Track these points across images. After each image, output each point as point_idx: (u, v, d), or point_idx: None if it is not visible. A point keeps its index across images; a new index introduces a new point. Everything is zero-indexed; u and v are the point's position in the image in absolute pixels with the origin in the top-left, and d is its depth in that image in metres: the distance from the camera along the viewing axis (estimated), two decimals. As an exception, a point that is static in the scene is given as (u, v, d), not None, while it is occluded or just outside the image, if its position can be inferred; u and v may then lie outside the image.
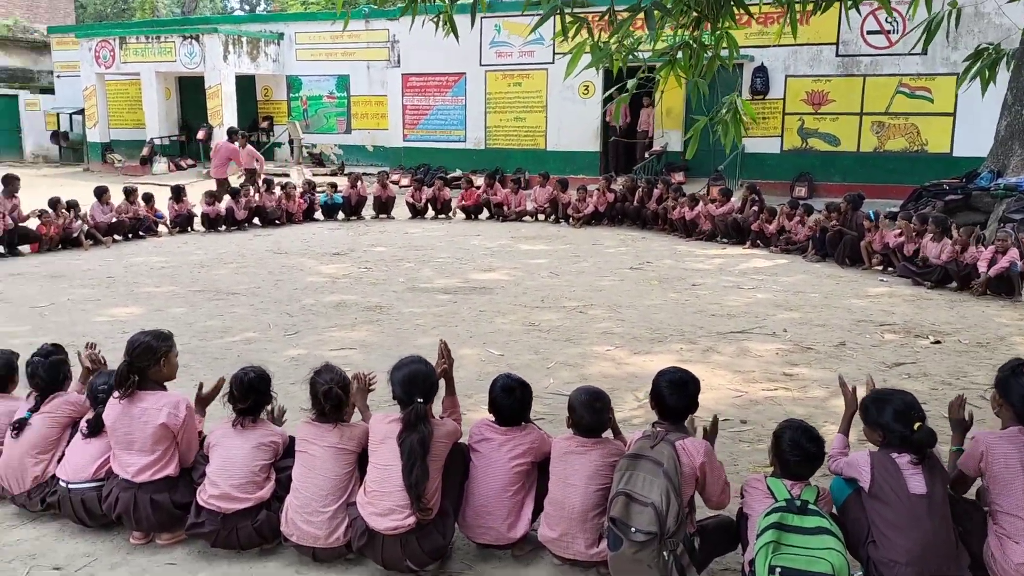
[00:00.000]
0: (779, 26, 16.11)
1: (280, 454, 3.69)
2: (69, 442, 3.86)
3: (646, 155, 18.45)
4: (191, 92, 24.06)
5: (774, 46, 17.20)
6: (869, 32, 16.73)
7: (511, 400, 3.62)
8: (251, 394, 3.64)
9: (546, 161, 19.57)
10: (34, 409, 3.89)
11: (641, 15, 4.25)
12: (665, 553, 3.11)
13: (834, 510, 3.32)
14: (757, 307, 8.50)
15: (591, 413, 3.47)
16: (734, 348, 6.99)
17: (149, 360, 3.67)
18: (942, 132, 16.42)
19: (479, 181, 16.11)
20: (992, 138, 12.80)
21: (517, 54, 19.81)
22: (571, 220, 14.67)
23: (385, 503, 3.36)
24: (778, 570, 2.92)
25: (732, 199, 13.32)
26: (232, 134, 17.08)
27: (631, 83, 5.06)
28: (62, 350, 4.09)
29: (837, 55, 17.05)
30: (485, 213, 15.57)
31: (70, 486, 3.71)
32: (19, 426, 3.85)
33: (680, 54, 5.03)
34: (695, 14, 4.88)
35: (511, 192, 15.49)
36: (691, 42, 5.01)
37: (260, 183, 14.84)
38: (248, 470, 3.56)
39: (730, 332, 7.50)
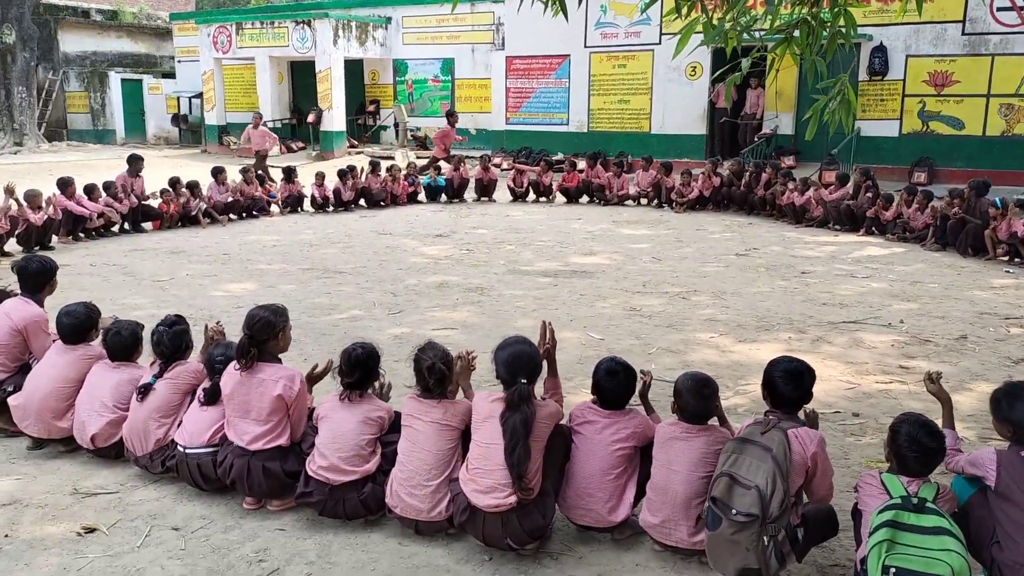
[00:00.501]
0: (902, 3, 15.33)
1: (386, 429, 3.77)
2: (187, 408, 4.05)
3: (755, 138, 17.89)
4: (302, 76, 24.77)
5: (894, 24, 16.35)
6: (999, 8, 15.67)
7: (615, 383, 3.58)
8: (359, 369, 3.72)
9: (650, 144, 19.22)
10: (158, 375, 4.10)
11: (759, -9, 4.09)
12: (765, 538, 3.02)
13: (956, 509, 3.16)
14: (871, 297, 8.15)
15: (698, 399, 3.40)
16: (846, 339, 6.72)
17: (268, 334, 3.81)
18: (1080, 114, 15.29)
19: (582, 164, 16.01)
20: None
21: (623, 35, 19.52)
22: (674, 205, 14.41)
23: (487, 481, 3.38)
24: (892, 570, 2.79)
25: (847, 185, 12.80)
26: (449, 116, 18.42)
27: (745, 63, 4.89)
28: (184, 321, 4.29)
29: (963, 33, 16.05)
30: (586, 197, 15.47)
31: (187, 451, 3.89)
32: (144, 391, 4.06)
33: (797, 32, 4.83)
34: (814, -10, 4.67)
35: (613, 176, 15.33)
36: (809, 19, 4.80)
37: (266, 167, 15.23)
38: (355, 443, 3.65)
39: (842, 322, 7.22)
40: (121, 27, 30.82)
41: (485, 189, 15.61)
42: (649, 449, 3.53)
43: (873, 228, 11.84)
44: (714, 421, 3.57)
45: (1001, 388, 3.30)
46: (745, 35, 4.96)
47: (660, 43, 18.79)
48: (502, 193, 15.81)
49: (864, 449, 4.57)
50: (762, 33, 5.18)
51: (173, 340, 4.14)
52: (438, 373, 3.57)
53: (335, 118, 22.55)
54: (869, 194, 12.16)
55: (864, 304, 7.85)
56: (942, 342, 6.60)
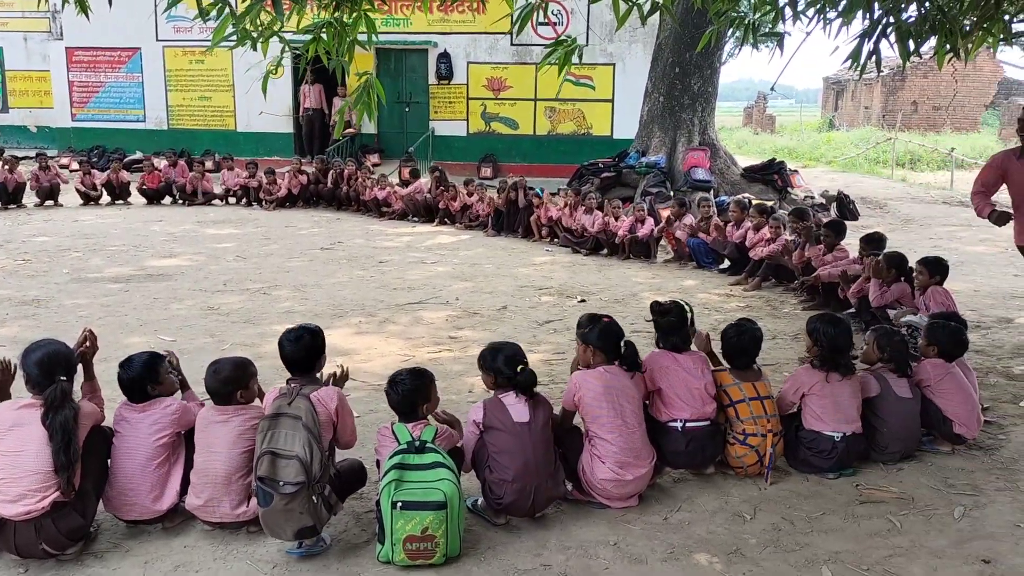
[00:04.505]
0: (459, 14, 17.06)
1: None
2: None
3: (339, 137, 18.50)
4: None
5: (455, 33, 18.07)
6: (539, 24, 18.12)
7: (128, 375, 3.71)
8: None
9: (237, 142, 18.92)
10: None
11: (270, -1, 4.43)
12: (314, 497, 3.36)
13: (459, 444, 3.80)
14: (436, 280, 9.06)
15: (214, 382, 3.64)
16: (409, 318, 7.44)
17: None
18: (603, 117, 18.31)
19: (162, 163, 15.25)
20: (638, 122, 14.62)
21: (197, 30, 18.84)
22: (264, 203, 14.43)
23: (15, 490, 3.27)
24: (399, 504, 3.31)
25: (421, 179, 13.90)
26: None
27: (269, 64, 5.27)
28: None
29: (512, 44, 18.28)
30: (169, 198, 14.81)
31: None
32: None
33: (324, 34, 5.28)
34: (333, -3, 5.15)
35: (197, 175, 14.86)
36: (333, 23, 5.27)
37: None
38: None
39: (408, 304, 7.95)
40: None
41: (49, 192, 14.13)
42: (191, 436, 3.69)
43: (445, 219, 13.06)
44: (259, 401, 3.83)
45: (486, 347, 3.96)
46: (275, 35, 5.30)
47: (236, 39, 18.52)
48: (71, 197, 14.46)
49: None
50: (292, 34, 5.54)
51: None
52: None
53: None
54: (440, 187, 13.36)
55: (429, 286, 8.71)
56: (487, 313, 7.62)
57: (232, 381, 3.62)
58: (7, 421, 3.38)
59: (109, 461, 3.62)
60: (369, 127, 18.76)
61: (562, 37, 5.23)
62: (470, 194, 12.78)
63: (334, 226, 12.87)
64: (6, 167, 13.86)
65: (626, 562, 3.46)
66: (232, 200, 14.91)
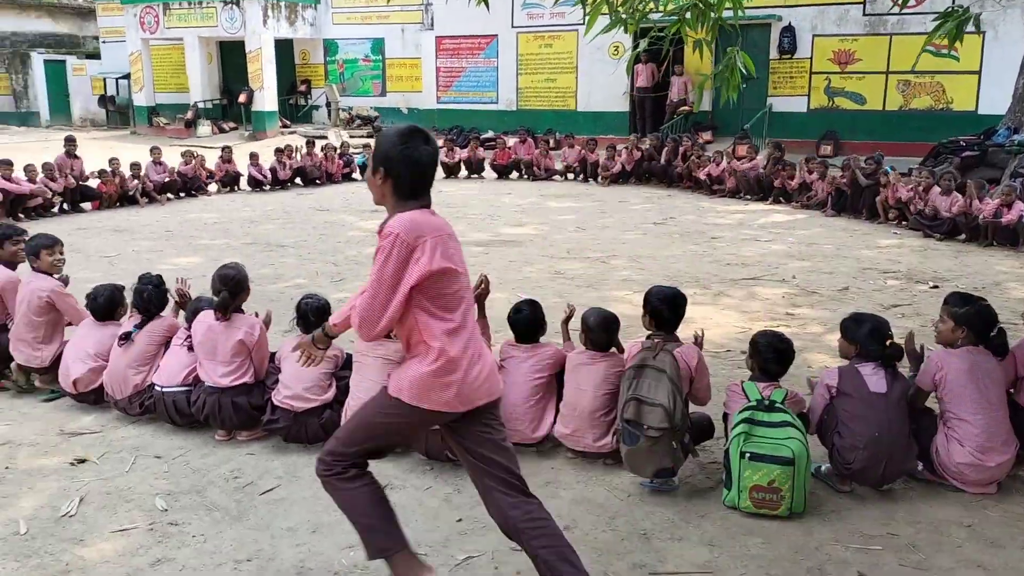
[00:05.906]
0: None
1: (340, 365, 4.39)
2: (163, 356, 4.61)
3: (675, 115, 18.74)
4: (232, 56, 24.71)
5: (801, 5, 17.38)
6: (897, -10, 16.84)
7: (520, 317, 4.33)
8: (316, 317, 4.35)
9: (576, 121, 19.98)
10: (139, 327, 4.63)
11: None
12: (674, 442, 3.72)
13: (805, 410, 3.94)
14: (770, 257, 9.02)
15: (603, 333, 4.11)
16: (744, 292, 7.55)
17: (241, 289, 4.45)
18: (968, 90, 16.54)
19: (511, 141, 16.65)
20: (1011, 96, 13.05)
21: (548, 16, 20.15)
22: (599, 179, 15.17)
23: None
24: (748, 455, 3.56)
25: (758, 156, 13.71)
26: None
27: (643, 43, 5.61)
28: (164, 282, 4.83)
29: (864, 14, 17.18)
30: (516, 173, 16.12)
31: (164, 390, 4.45)
32: (126, 337, 4.59)
33: (689, 14, 5.55)
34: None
35: (541, 152, 16.00)
36: (699, 3, 5.52)
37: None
38: (315, 376, 4.26)
39: (742, 279, 8.05)
40: (41, 6, 30.07)
41: (418, 166, 16.08)
42: (563, 374, 4.23)
43: (780, 197, 12.79)
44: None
45: (849, 316, 4.06)
46: (645, 19, 5.67)
47: (584, 23, 19.48)
48: (435, 170, 16.33)
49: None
50: (660, 15, 5.86)
51: (159, 297, 4.70)
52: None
53: (267, 98, 22.66)
54: (779, 166, 13.10)
55: (763, 263, 8.71)
56: (826, 293, 7.48)
57: (616, 330, 4.17)
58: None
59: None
60: (705, 105, 18.79)
61: (950, 8, 4.97)
62: (810, 172, 12.38)
63: (665, 202, 13.20)
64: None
65: (982, 544, 3.39)
66: (570, 176, 15.86)
